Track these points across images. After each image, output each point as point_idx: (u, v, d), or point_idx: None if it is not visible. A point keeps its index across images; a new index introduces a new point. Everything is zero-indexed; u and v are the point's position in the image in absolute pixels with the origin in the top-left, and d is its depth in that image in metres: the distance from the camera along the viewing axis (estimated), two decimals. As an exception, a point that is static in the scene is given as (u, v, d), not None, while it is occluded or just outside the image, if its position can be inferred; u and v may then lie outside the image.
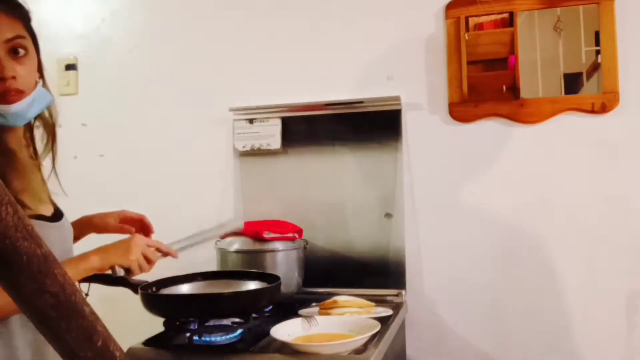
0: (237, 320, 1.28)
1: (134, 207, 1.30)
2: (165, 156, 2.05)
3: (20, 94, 0.94)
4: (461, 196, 1.78)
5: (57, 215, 1.02)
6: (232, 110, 1.96)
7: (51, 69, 2.19)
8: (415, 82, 1.84)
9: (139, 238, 1.10)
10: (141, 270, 1.08)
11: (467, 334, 1.79)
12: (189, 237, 1.29)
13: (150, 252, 1.10)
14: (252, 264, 1.61)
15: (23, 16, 0.98)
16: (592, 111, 1.68)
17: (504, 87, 1.75)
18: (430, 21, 1.83)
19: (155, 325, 1.28)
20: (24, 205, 0.88)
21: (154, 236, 1.26)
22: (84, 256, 1.01)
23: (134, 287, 1.13)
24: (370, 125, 1.85)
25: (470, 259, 1.79)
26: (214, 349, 1.23)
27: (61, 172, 1.08)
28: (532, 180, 1.73)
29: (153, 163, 2.06)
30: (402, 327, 1.69)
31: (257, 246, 1.63)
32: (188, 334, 1.23)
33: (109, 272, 1.06)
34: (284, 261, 1.66)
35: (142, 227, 1.26)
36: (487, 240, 1.78)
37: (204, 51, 2.03)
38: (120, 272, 1.05)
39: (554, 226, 1.70)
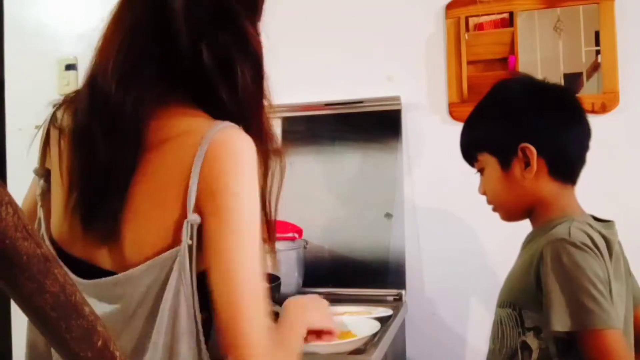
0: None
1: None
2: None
3: None
4: (461, 196, 1.75)
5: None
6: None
7: (51, 69, 2.24)
8: (415, 82, 1.85)
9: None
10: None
11: (467, 334, 1.80)
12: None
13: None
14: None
15: None
16: (592, 111, 1.68)
17: (501, 88, 1.74)
18: (430, 21, 1.84)
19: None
20: None
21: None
22: (301, 317, 0.90)
23: None
24: (370, 125, 1.86)
25: (471, 259, 1.80)
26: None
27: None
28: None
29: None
30: (402, 327, 1.70)
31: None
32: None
33: None
34: (283, 261, 1.66)
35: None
36: (487, 240, 1.78)
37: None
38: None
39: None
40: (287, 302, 0.90)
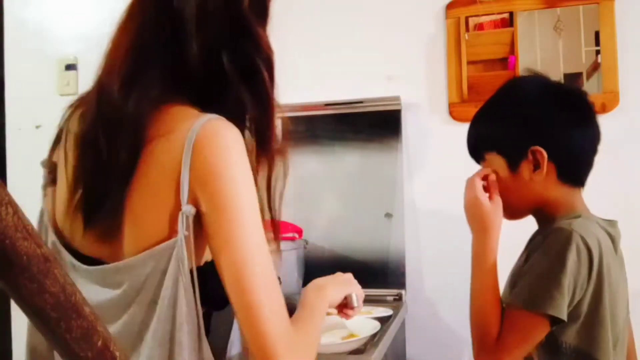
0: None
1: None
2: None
3: None
4: (462, 196, 1.77)
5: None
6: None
7: (51, 69, 2.24)
8: (415, 82, 1.85)
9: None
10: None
11: (467, 334, 1.79)
12: None
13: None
14: (251, 264, 1.62)
15: None
16: (592, 111, 1.69)
17: (503, 87, 1.74)
18: (430, 21, 1.84)
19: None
20: None
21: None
22: (318, 294, 0.88)
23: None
24: (370, 125, 1.87)
25: (470, 259, 1.79)
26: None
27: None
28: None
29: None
30: (402, 327, 1.69)
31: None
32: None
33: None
34: (284, 261, 1.65)
35: None
36: (487, 240, 1.78)
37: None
38: (356, 302, 0.95)
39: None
40: (305, 288, 0.89)
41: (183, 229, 0.68)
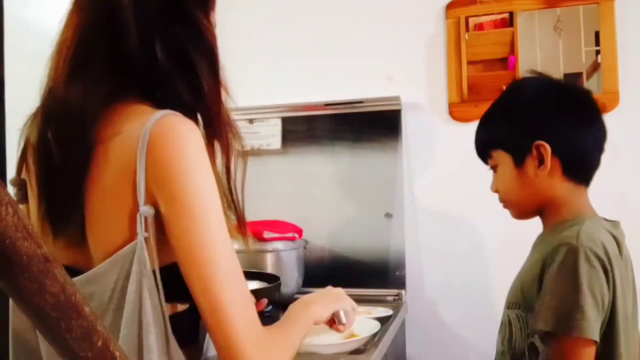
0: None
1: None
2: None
3: None
4: (461, 196, 1.77)
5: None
6: (231, 110, 1.94)
7: (51, 69, 2.24)
8: (415, 82, 1.86)
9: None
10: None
11: (467, 334, 1.80)
12: None
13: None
14: (252, 264, 1.61)
15: None
16: (592, 111, 1.68)
17: (504, 87, 1.72)
18: (430, 21, 1.84)
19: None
20: None
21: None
22: (304, 309, 0.86)
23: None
24: (370, 125, 1.86)
25: (470, 259, 1.79)
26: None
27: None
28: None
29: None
30: (402, 327, 1.69)
31: (257, 246, 1.63)
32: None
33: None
34: (284, 261, 1.66)
35: None
36: (488, 239, 1.78)
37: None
38: (344, 319, 0.94)
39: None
40: (292, 303, 0.87)
41: (142, 230, 0.67)
